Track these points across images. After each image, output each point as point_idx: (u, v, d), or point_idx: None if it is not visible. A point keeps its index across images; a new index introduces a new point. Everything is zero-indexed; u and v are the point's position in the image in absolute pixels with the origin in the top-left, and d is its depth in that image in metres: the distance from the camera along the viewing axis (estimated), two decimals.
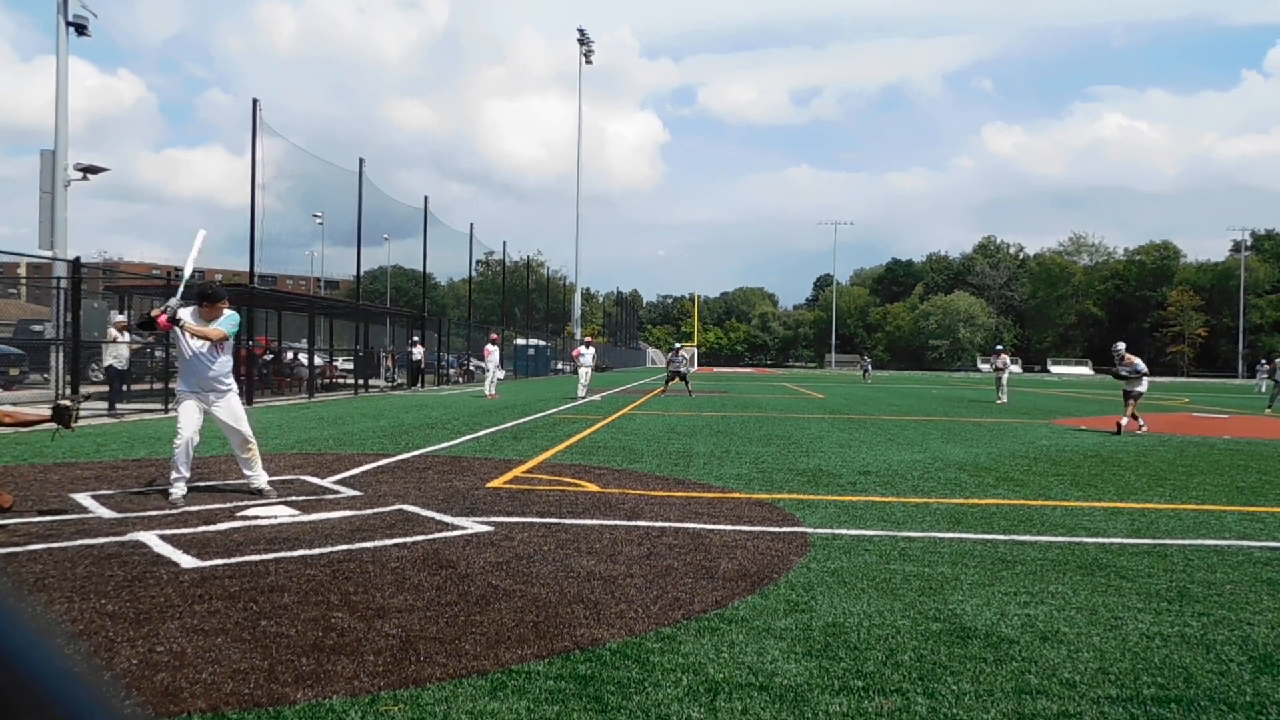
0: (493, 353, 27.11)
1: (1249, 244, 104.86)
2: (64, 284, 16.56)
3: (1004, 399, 27.14)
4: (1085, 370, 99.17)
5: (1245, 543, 6.30)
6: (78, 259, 15.80)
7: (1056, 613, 4.46)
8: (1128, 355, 16.62)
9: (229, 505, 6.99)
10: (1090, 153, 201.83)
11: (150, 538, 5.79)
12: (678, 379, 28.64)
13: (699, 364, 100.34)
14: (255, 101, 20.76)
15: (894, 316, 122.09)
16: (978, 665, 3.67)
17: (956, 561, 5.54)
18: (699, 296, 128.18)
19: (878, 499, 8.00)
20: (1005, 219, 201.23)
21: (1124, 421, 15.80)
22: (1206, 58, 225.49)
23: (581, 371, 26.91)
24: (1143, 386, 16.24)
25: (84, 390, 14.13)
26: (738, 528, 6.50)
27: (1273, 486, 9.29)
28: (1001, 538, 6.30)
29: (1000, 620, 4.31)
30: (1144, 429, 16.08)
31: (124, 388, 17.27)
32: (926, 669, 3.62)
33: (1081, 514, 7.43)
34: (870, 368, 53.77)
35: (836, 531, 6.44)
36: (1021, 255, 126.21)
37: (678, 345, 31.43)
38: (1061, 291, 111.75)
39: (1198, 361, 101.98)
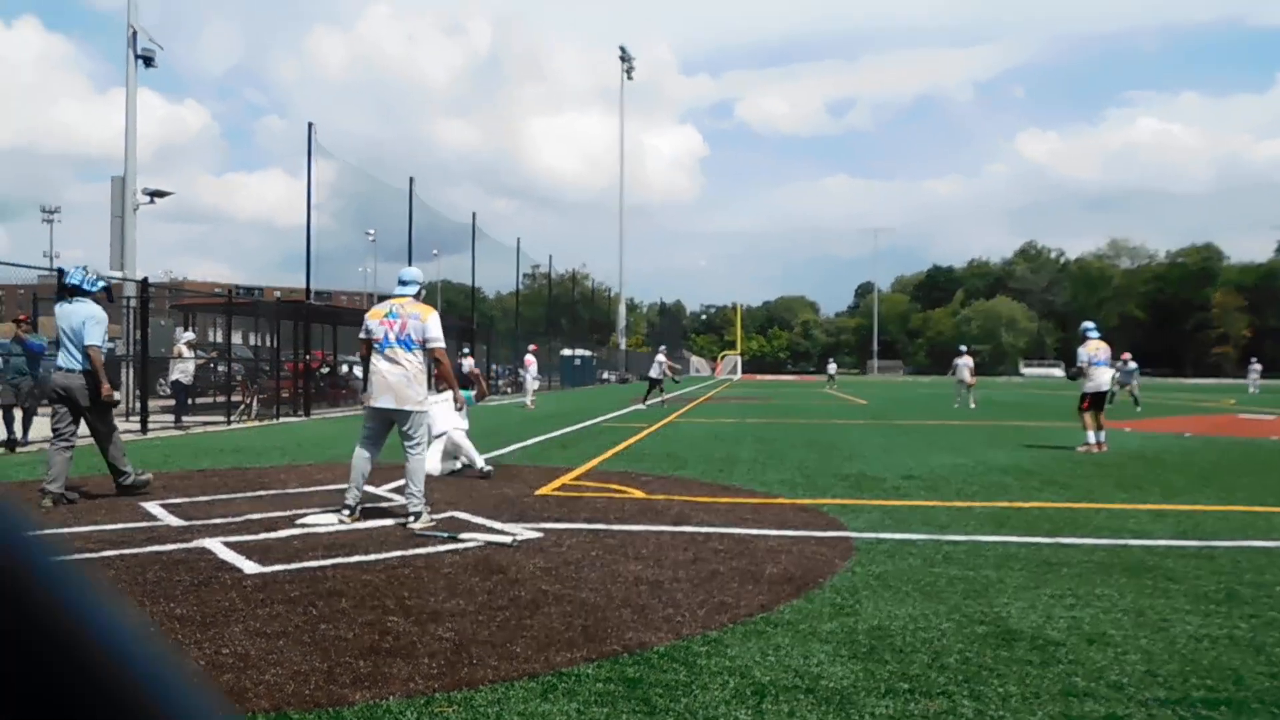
0: (532, 363, 27.34)
1: None
2: (133, 303, 17.07)
3: (969, 404, 25.85)
4: (1057, 371, 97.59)
5: None
6: (146, 279, 16.33)
7: (1103, 615, 4.46)
8: (1089, 338, 13.32)
9: (288, 513, 7.18)
10: (1124, 156, 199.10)
11: (215, 544, 5.99)
12: (656, 388, 25.41)
13: (742, 371, 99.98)
14: (310, 125, 21.31)
15: (935, 322, 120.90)
16: (1024, 668, 3.70)
17: (1001, 564, 5.55)
18: (741, 306, 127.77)
19: (921, 503, 8.00)
20: (1042, 223, 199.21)
21: (1090, 439, 12.74)
22: (1239, 60, 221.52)
23: (528, 384, 26.39)
24: (1100, 380, 13.04)
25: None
26: (782, 532, 6.55)
27: None
28: (1046, 540, 6.29)
29: (1046, 623, 4.32)
30: (1103, 448, 12.68)
31: (189, 402, 17.75)
32: (972, 671, 3.65)
33: (1127, 516, 7.37)
34: (834, 373, 51.12)
35: (880, 536, 6.46)
36: (1063, 260, 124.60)
37: (662, 347, 28.25)
38: (1103, 295, 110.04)
39: (1242, 363, 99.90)
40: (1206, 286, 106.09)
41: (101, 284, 8.02)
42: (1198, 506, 7.88)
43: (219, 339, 27.83)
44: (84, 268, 8.05)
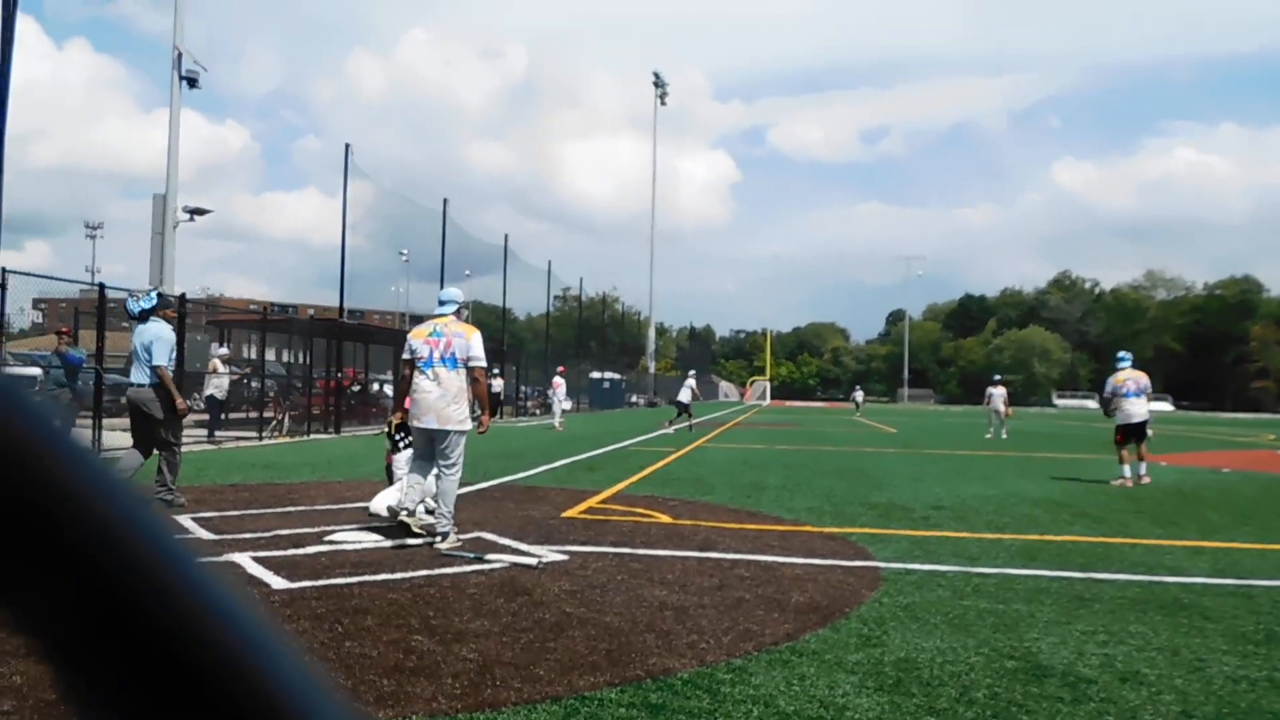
0: (560, 385, 27.41)
1: None
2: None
3: (1001, 435, 25.35)
4: (1090, 403, 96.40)
5: None
6: (183, 295, 16.58)
7: (1136, 653, 4.38)
8: (1119, 368, 12.83)
9: (316, 529, 7.23)
10: (1161, 186, 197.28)
11: (244, 559, 6.04)
12: (684, 413, 25.50)
13: (771, 397, 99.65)
14: (347, 146, 21.68)
15: (967, 351, 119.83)
16: (1054, 705, 3.63)
17: (1032, 598, 5.47)
18: (770, 332, 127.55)
19: (951, 534, 7.90)
20: (1076, 253, 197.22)
21: (1126, 473, 12.39)
22: (1278, 91, 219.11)
23: (556, 406, 26.39)
24: (1130, 412, 12.57)
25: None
26: (809, 561, 6.49)
27: None
28: (1079, 575, 6.18)
29: (1078, 659, 4.25)
30: (1146, 479, 12.34)
31: (223, 416, 17.98)
32: (1001, 707, 3.59)
33: (1162, 552, 7.24)
34: (861, 401, 52.08)
35: (909, 566, 6.39)
36: (1097, 290, 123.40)
37: (692, 371, 29.12)
38: (1138, 326, 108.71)
39: None
40: (1245, 319, 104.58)
41: (153, 298, 8.57)
42: (1235, 544, 7.72)
43: (253, 355, 28.16)
44: (132, 294, 8.81)
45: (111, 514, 0.31)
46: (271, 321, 22.48)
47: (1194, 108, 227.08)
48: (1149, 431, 12.81)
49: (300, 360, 24.61)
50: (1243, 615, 5.17)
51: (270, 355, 28.32)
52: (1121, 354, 13.35)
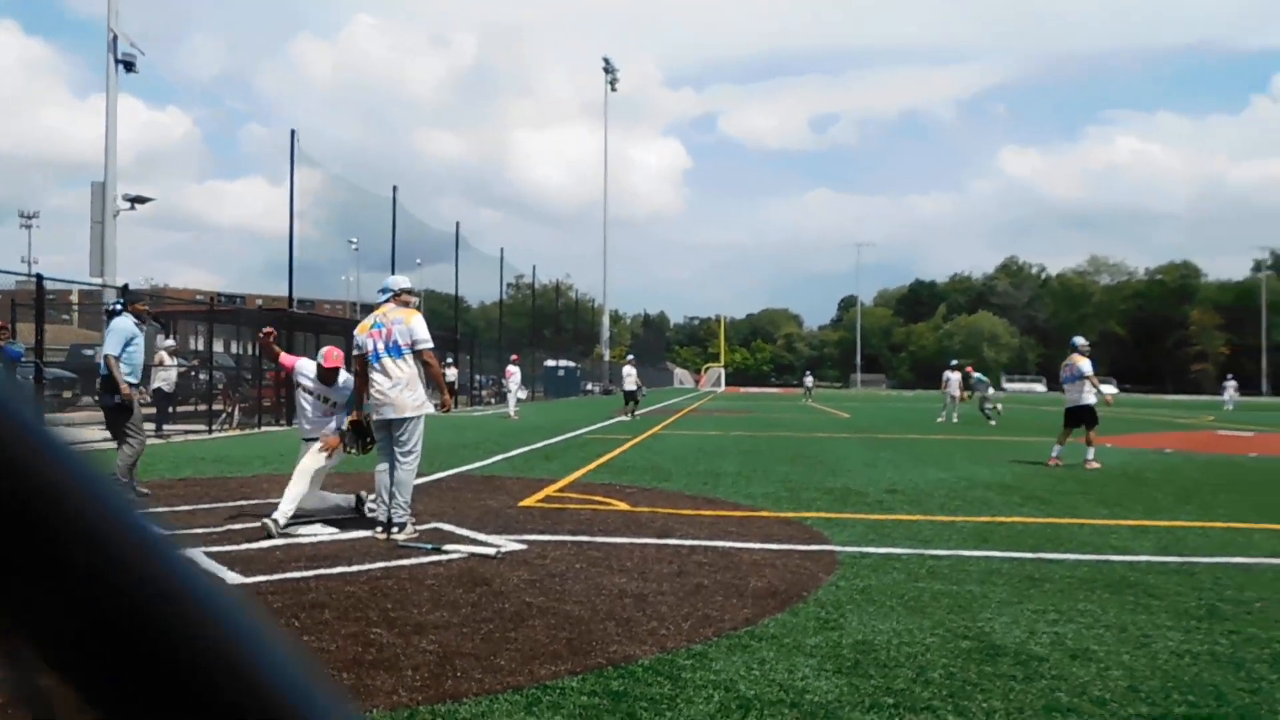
0: (514, 374, 27.28)
1: (1269, 263, 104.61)
2: (113, 309, 16.97)
3: (953, 419, 25.89)
4: (1039, 386, 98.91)
5: (1274, 560, 6.28)
6: (126, 285, 16.16)
7: (1086, 631, 4.48)
8: (1076, 356, 13.18)
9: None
10: (1105, 175, 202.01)
11: (196, 555, 5.91)
12: (633, 401, 25.87)
13: (725, 384, 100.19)
14: (293, 133, 21.28)
15: (918, 336, 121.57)
16: (1007, 683, 3.71)
17: (985, 579, 5.57)
18: (724, 318, 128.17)
19: (905, 517, 8.03)
20: (1024, 240, 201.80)
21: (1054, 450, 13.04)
22: (1215, 82, 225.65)
23: (511, 394, 26.41)
24: (1070, 397, 13.17)
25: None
26: (767, 546, 6.55)
27: None
28: (1029, 556, 6.32)
29: (1029, 638, 4.34)
30: (1092, 465, 12.53)
31: (170, 410, 17.62)
32: (956, 686, 3.66)
33: (1109, 532, 7.42)
34: (812, 386, 52.18)
35: (865, 550, 6.48)
36: (1044, 275, 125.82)
37: (629, 357, 29.27)
38: (1083, 311, 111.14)
39: (1220, 380, 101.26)
40: (1185, 304, 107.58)
41: (120, 303, 9.01)
42: (1179, 523, 7.94)
43: (200, 347, 27.64)
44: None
45: (94, 508, 0.31)
46: (219, 312, 22.11)
47: (1134, 97, 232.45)
48: (1096, 411, 13.12)
49: (250, 351, 24.20)
50: (1186, 592, 5.33)
51: (218, 347, 27.81)
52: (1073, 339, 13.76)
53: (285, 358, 7.71)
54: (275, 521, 6.58)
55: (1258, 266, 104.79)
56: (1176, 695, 3.60)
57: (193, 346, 30.05)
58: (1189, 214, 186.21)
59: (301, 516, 7.01)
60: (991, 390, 26.76)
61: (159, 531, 0.32)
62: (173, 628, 0.30)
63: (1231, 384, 42.33)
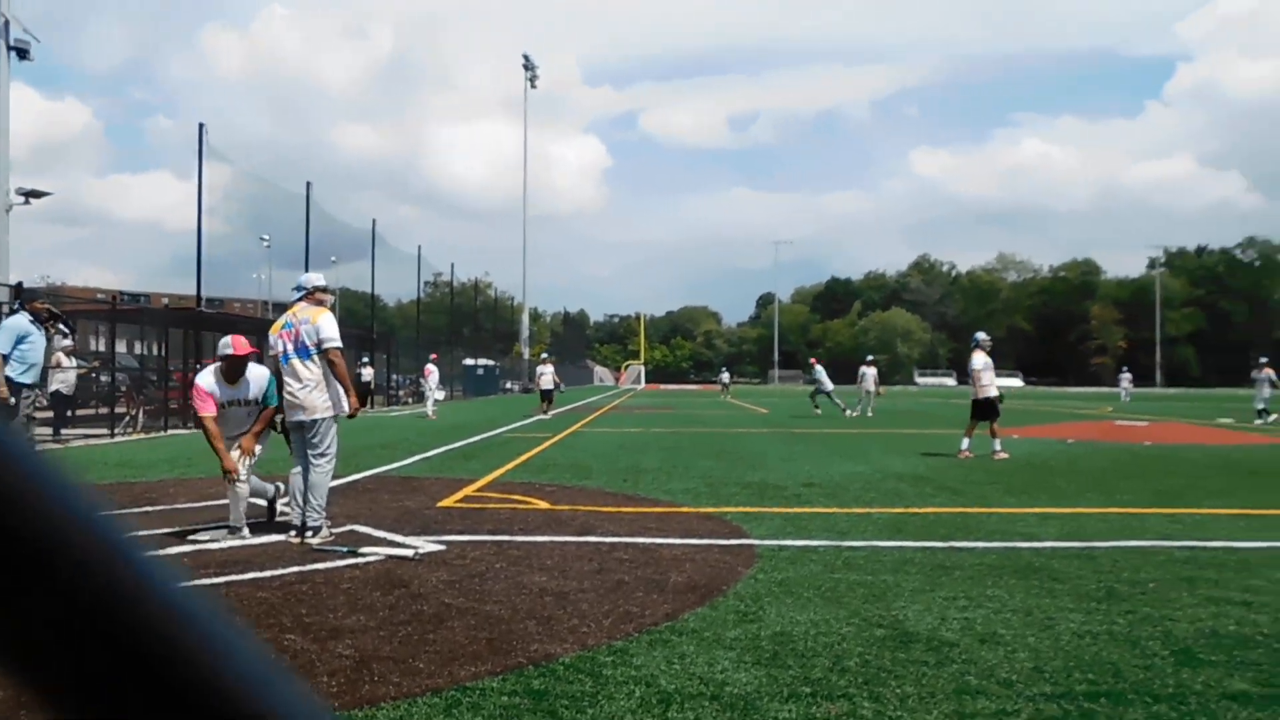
0: (433, 373, 26.90)
1: (1163, 261, 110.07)
2: (6, 309, 16.21)
3: (867, 413, 26.47)
4: (950, 381, 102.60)
5: (1166, 543, 6.58)
6: (20, 284, 15.45)
7: (994, 615, 4.63)
8: (975, 351, 13.73)
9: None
10: (1011, 175, 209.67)
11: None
12: (547, 400, 26.04)
13: (646, 381, 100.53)
14: (202, 126, 20.58)
15: (834, 333, 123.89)
16: (920, 668, 3.81)
17: (899, 569, 5.71)
18: (644, 316, 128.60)
19: (822, 510, 8.17)
20: (936, 238, 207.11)
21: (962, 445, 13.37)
22: (1114, 88, 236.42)
23: (429, 394, 26.26)
24: (993, 392, 13.45)
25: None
26: (687, 541, 6.60)
27: (1190, 489, 9.69)
28: (941, 545, 6.50)
29: (941, 624, 4.47)
30: (999, 455, 12.92)
31: (69, 413, 16.90)
32: (871, 674, 3.75)
33: (1016, 519, 7.68)
34: (728, 382, 52.81)
35: (783, 543, 6.57)
36: (954, 273, 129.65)
37: (544, 355, 29.53)
38: (992, 307, 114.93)
39: (1119, 372, 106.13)
40: (1086, 300, 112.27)
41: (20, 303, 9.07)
42: (1080, 509, 8.26)
43: (102, 348, 26.60)
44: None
45: (61, 513, 0.30)
46: (121, 311, 21.27)
47: (1039, 101, 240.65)
48: (997, 405, 13.57)
49: (155, 352, 23.37)
50: (1087, 575, 5.55)
51: (121, 347, 26.78)
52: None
53: (199, 395, 6.82)
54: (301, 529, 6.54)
55: (1152, 264, 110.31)
56: (1078, 674, 3.74)
57: (94, 347, 28.91)
58: (1090, 212, 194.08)
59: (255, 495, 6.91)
60: (831, 386, 28.28)
61: (121, 531, 0.31)
62: (143, 627, 0.30)
63: (1126, 376, 44.13)
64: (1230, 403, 26.66)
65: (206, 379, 6.81)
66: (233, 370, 6.78)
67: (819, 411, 26.64)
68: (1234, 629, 4.41)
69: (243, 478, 6.65)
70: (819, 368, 28.99)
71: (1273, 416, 23.72)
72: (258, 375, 6.91)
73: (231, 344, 6.76)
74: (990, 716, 3.29)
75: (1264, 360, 25.64)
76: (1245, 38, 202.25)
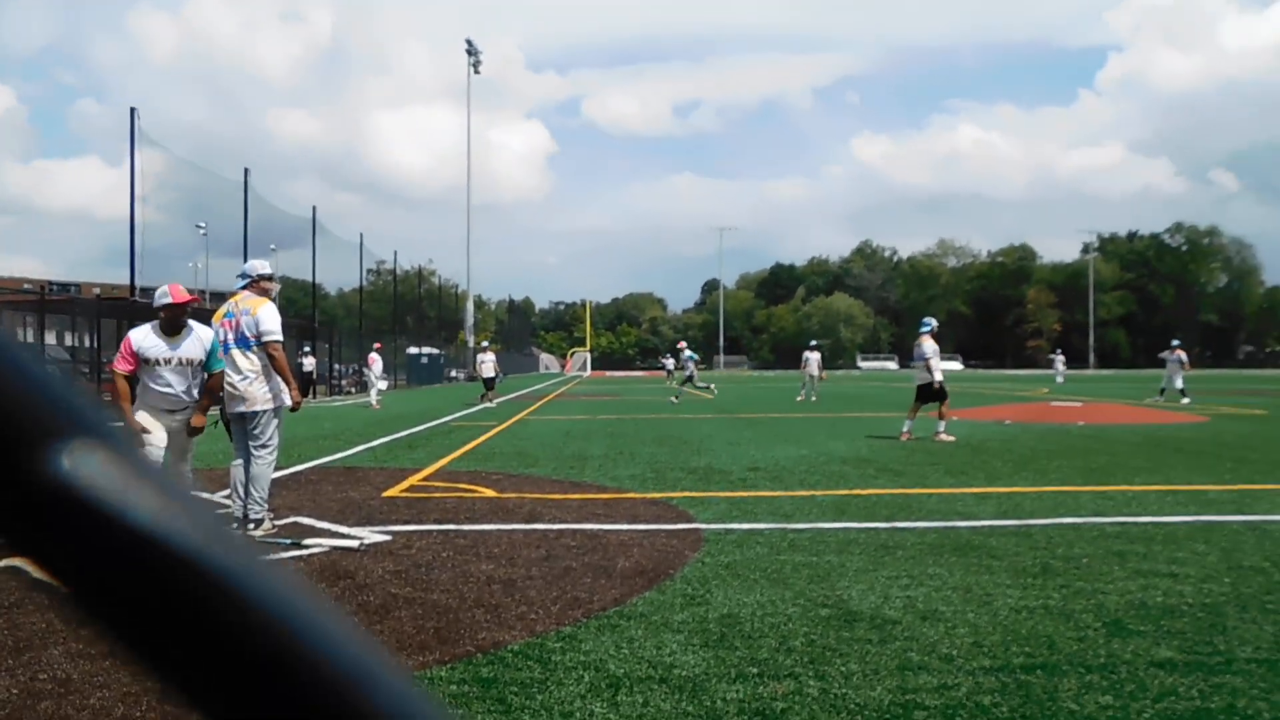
0: (376, 362, 26.58)
1: (1096, 246, 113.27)
2: None
3: (811, 397, 26.77)
4: (891, 365, 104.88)
5: (1098, 519, 6.79)
6: None
7: (935, 593, 4.74)
8: (923, 337, 13.85)
9: None
10: (950, 161, 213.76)
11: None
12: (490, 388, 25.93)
13: (592, 368, 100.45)
14: (133, 111, 20.01)
15: (778, 318, 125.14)
16: (864, 646, 3.89)
17: (842, 550, 5.81)
18: (590, 303, 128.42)
19: (767, 493, 8.27)
20: (878, 224, 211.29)
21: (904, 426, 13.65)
22: (1048, 76, 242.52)
23: (373, 383, 25.80)
24: (938, 376, 13.63)
25: None
26: (634, 527, 6.63)
27: (1120, 467, 10.00)
28: (883, 525, 6.62)
29: (884, 603, 4.56)
30: (943, 438, 13.12)
31: None
32: (817, 653, 3.81)
33: (955, 499, 7.85)
34: (673, 368, 45.52)
35: (729, 526, 6.64)
36: (896, 258, 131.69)
37: (484, 344, 29.42)
38: (932, 292, 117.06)
39: (1052, 354, 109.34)
40: (1023, 284, 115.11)
41: None
42: (1016, 488, 8.47)
43: (30, 339, 25.78)
44: None
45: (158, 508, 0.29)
46: (51, 302, 20.64)
47: (976, 88, 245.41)
48: (943, 387, 13.84)
49: (87, 344, 22.74)
50: (1023, 552, 5.70)
51: (51, 339, 26.01)
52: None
53: (122, 351, 6.18)
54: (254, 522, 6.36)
55: (1085, 249, 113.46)
56: (1015, 648, 3.85)
57: (22, 339, 28.01)
58: (1026, 198, 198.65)
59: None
60: (695, 370, 29.14)
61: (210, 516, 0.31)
62: (239, 614, 0.29)
63: (1060, 358, 45.21)
64: (1159, 384, 27.48)
65: (140, 332, 6.10)
66: (173, 321, 6.03)
67: (676, 401, 25.98)
68: (1161, 600, 4.57)
69: (158, 443, 6.04)
70: (688, 351, 29.36)
71: (1186, 400, 24.40)
72: (202, 333, 6.25)
73: (170, 292, 6.04)
74: (932, 691, 3.37)
75: (1175, 343, 26.42)
76: (1170, 28, 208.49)
